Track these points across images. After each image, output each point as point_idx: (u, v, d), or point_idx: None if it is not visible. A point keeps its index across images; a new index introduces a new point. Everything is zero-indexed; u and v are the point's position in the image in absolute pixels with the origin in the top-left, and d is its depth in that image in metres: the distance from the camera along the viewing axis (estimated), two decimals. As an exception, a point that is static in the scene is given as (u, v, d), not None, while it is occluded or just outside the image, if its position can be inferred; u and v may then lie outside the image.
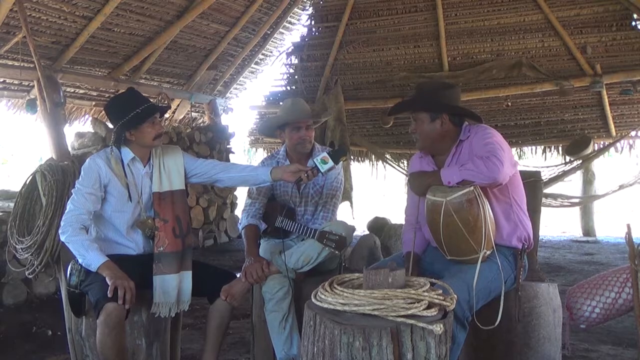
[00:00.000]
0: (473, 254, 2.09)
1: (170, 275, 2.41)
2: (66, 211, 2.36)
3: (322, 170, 2.39)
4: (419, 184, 2.21)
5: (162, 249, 2.43)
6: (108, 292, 2.13)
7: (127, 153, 2.48)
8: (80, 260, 2.29)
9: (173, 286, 2.41)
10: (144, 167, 2.51)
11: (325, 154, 2.40)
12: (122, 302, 2.13)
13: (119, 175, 2.43)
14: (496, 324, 2.01)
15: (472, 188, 2.03)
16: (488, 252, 2.11)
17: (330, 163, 2.38)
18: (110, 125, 2.87)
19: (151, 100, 2.70)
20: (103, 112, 6.86)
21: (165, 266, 2.41)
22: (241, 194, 5.49)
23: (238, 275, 2.56)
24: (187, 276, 2.45)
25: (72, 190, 2.42)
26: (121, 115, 2.42)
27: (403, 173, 6.88)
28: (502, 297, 2.08)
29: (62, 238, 2.32)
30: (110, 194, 2.43)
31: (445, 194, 2.04)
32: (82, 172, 2.43)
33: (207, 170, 2.59)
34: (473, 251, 2.08)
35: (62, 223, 2.34)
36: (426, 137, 2.31)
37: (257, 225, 2.77)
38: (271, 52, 8.39)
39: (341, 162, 2.46)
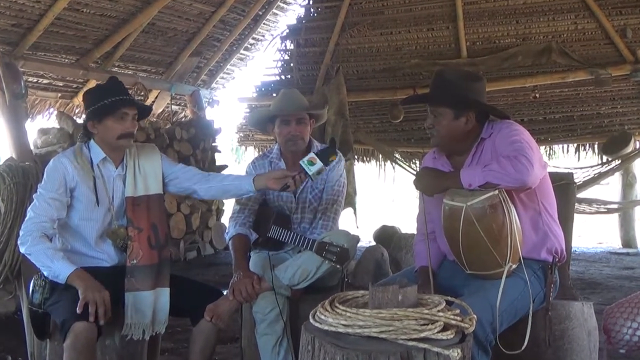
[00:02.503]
0: (497, 268, 2.09)
1: (145, 292, 2.41)
2: (26, 219, 2.37)
3: (310, 173, 2.38)
4: (431, 183, 2.21)
5: (135, 261, 2.43)
6: (77, 309, 2.13)
7: (98, 152, 2.49)
8: (45, 273, 2.29)
9: (148, 304, 2.41)
10: (116, 168, 2.52)
11: (312, 154, 2.40)
12: (94, 319, 2.13)
13: (87, 177, 2.44)
14: (523, 348, 2.01)
15: (496, 192, 2.03)
16: (514, 266, 2.11)
17: (319, 164, 2.37)
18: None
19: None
20: (69, 105, 6.89)
21: (138, 281, 2.41)
22: (229, 200, 5.50)
23: (225, 293, 2.56)
24: (164, 293, 2.45)
25: (33, 195, 2.43)
26: (90, 105, 2.45)
27: (415, 175, 6.88)
28: (530, 318, 2.08)
29: (22, 250, 2.32)
30: (77, 200, 2.44)
31: (465, 199, 2.04)
32: (45, 174, 2.43)
33: (186, 177, 2.61)
34: (497, 265, 2.08)
35: (20, 233, 2.35)
36: (445, 135, 2.30)
37: (246, 234, 2.77)
38: (263, 36, 8.41)
39: (333, 162, 2.44)
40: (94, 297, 2.16)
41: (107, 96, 2.44)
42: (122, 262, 2.49)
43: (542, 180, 2.20)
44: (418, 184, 2.26)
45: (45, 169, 2.45)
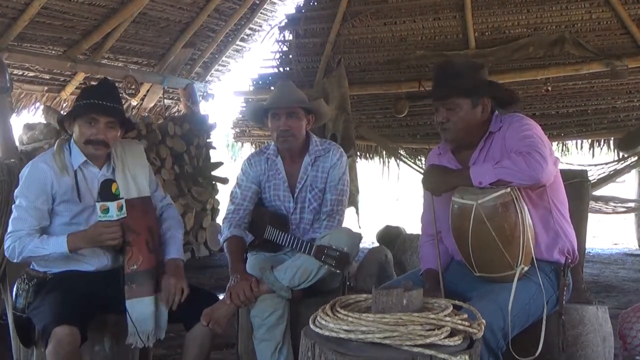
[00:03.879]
0: (507, 270, 2.09)
1: (147, 297, 2.43)
2: (7, 232, 2.38)
3: (115, 218, 2.33)
4: (439, 181, 2.21)
5: (135, 267, 2.44)
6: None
7: (78, 155, 2.49)
8: (47, 257, 2.36)
9: (150, 310, 2.42)
10: (100, 169, 2.53)
11: (99, 204, 2.34)
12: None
13: (69, 181, 2.44)
14: (537, 354, 2.01)
15: (508, 189, 2.04)
16: (525, 269, 2.11)
17: (110, 205, 2.32)
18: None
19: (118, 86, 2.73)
20: (57, 99, 6.88)
21: (140, 287, 2.43)
22: (224, 197, 5.47)
23: (222, 297, 2.56)
24: (157, 298, 2.47)
25: (12, 206, 2.43)
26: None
27: (420, 172, 6.88)
28: (544, 323, 2.08)
29: (18, 260, 2.37)
30: (60, 205, 2.45)
31: (475, 197, 2.04)
32: (22, 182, 2.42)
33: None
34: (508, 267, 2.09)
35: (5, 247, 2.38)
36: (462, 128, 2.30)
37: (241, 236, 2.77)
38: (260, 26, 8.39)
39: (119, 194, 2.39)
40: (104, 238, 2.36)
41: (85, 97, 2.45)
42: (113, 266, 2.51)
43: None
44: (426, 182, 2.26)
45: (22, 176, 2.44)
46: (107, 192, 2.35)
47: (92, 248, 2.46)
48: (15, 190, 2.45)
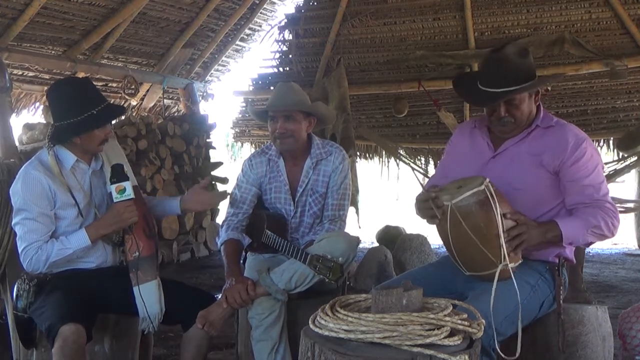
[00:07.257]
0: (493, 268, 2.07)
1: (152, 281, 2.47)
2: (20, 251, 2.37)
3: (127, 198, 2.44)
4: (534, 234, 2.12)
5: (137, 254, 2.48)
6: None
7: (68, 156, 2.49)
8: (71, 256, 2.39)
9: (157, 294, 2.47)
10: (89, 165, 2.55)
11: (111, 187, 2.46)
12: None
13: (63, 185, 2.44)
14: (517, 354, 2.00)
15: (482, 187, 2.02)
16: (512, 265, 2.07)
17: (125, 184, 2.43)
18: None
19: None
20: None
21: (145, 273, 2.47)
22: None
23: (219, 297, 2.56)
24: (159, 281, 2.52)
25: (14, 225, 2.42)
26: (72, 113, 2.42)
27: (419, 172, 6.88)
28: (520, 323, 2.05)
29: (45, 268, 2.38)
30: (60, 210, 2.45)
31: (451, 197, 2.04)
32: (21, 196, 2.39)
33: None
34: (492, 264, 2.06)
35: (25, 266, 2.37)
36: (524, 119, 2.29)
37: (238, 239, 2.77)
38: (260, 26, 8.39)
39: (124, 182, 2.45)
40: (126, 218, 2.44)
41: (92, 105, 2.43)
42: (113, 262, 2.53)
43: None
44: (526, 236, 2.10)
45: (16, 191, 2.41)
46: (120, 173, 2.44)
47: (95, 245, 2.47)
48: (15, 208, 2.42)
